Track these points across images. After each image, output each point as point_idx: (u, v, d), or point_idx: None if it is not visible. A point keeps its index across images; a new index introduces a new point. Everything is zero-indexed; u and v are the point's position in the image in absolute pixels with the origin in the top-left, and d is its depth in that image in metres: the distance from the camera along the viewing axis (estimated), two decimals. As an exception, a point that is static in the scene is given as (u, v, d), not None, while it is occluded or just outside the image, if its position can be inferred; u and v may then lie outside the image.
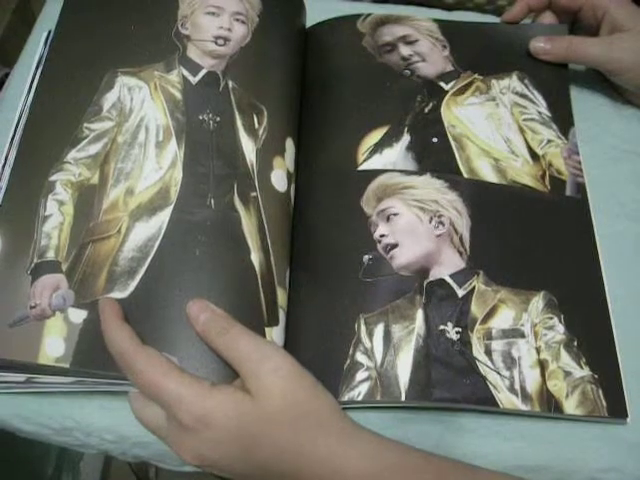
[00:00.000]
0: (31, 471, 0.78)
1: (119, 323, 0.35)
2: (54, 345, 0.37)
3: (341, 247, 0.43)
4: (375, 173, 0.45)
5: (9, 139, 0.44)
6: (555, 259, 0.43)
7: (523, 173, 0.46)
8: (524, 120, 0.48)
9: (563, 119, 0.49)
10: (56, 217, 0.40)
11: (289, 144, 0.46)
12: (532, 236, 0.44)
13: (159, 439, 0.35)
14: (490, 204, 0.45)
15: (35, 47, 0.49)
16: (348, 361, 0.39)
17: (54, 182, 0.41)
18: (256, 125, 0.44)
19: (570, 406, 0.38)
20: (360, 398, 0.38)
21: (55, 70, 0.46)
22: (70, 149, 0.42)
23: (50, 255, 0.39)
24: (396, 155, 0.46)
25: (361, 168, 0.46)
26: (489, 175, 0.46)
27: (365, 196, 0.44)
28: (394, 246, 0.42)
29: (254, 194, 0.42)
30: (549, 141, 0.48)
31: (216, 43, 0.46)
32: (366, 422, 0.34)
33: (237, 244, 0.40)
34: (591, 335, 0.41)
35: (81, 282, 0.38)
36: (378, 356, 0.39)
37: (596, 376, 0.39)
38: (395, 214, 0.43)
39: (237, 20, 0.47)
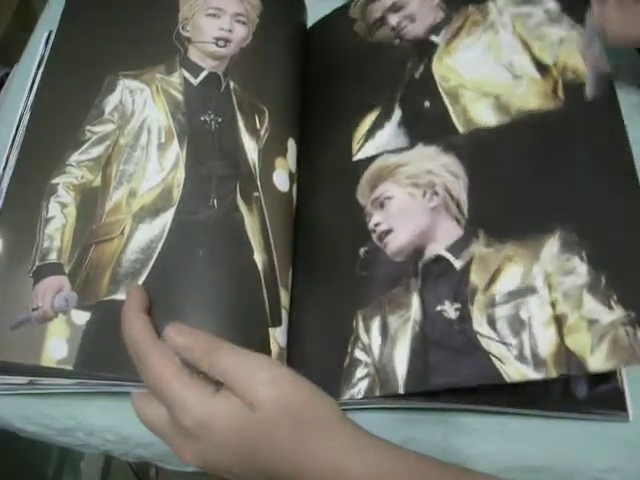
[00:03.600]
0: (32, 471, 0.78)
1: (139, 311, 0.35)
2: (57, 347, 0.37)
3: (339, 244, 0.43)
4: (369, 161, 0.44)
5: (10, 140, 0.44)
6: (574, 184, 0.37)
7: (529, 96, 0.41)
8: (529, 31, 0.43)
9: (575, 5, 0.42)
10: (58, 219, 0.40)
11: (291, 144, 0.46)
12: (542, 168, 0.39)
13: (160, 439, 0.35)
14: (490, 152, 0.41)
15: (37, 47, 0.49)
16: (347, 359, 0.39)
17: (56, 184, 0.41)
18: (258, 125, 0.44)
19: (597, 361, 0.32)
20: (360, 395, 0.37)
21: (56, 71, 0.46)
22: (72, 152, 0.42)
23: (52, 257, 0.39)
24: (387, 135, 0.44)
25: (356, 158, 0.45)
26: (489, 118, 0.42)
27: (359, 187, 0.43)
28: (388, 232, 0.41)
29: (256, 194, 0.42)
30: (561, 41, 0.42)
31: (217, 44, 0.46)
32: (370, 423, 0.34)
33: (240, 244, 0.40)
34: (624, 262, 0.34)
35: (84, 284, 0.38)
36: (376, 351, 0.38)
37: (632, 314, 0.32)
38: (388, 198, 0.42)
39: (238, 21, 0.47)
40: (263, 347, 0.38)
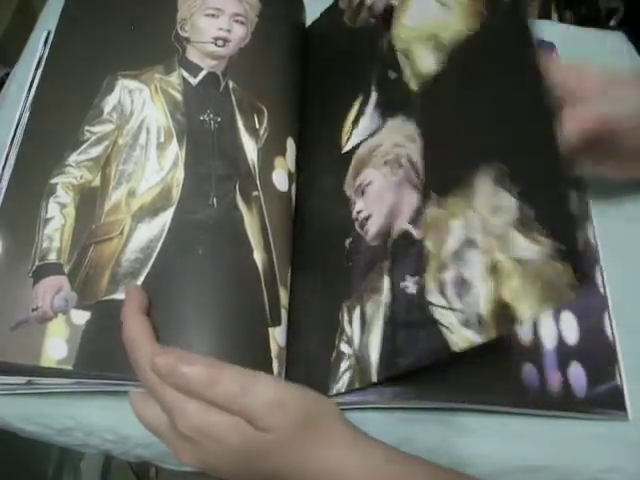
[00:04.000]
0: (32, 471, 0.78)
1: (137, 312, 0.35)
2: (56, 347, 0.37)
3: (332, 239, 0.42)
4: (353, 151, 0.44)
5: (9, 139, 0.44)
6: (501, 110, 0.34)
7: (458, 20, 0.38)
8: None
9: None
10: (58, 219, 0.40)
11: (290, 144, 0.46)
12: (477, 100, 0.35)
13: (158, 438, 0.35)
14: (434, 103, 0.38)
15: (36, 47, 0.49)
16: (334, 353, 0.38)
17: (55, 185, 0.41)
18: (257, 125, 0.44)
19: (525, 308, 0.30)
20: (344, 389, 0.37)
21: (55, 71, 0.46)
22: (71, 152, 0.42)
23: (52, 257, 0.39)
24: (366, 121, 0.44)
25: (344, 150, 0.45)
26: (431, 64, 0.39)
27: (347, 178, 0.43)
28: (368, 218, 0.40)
29: (256, 193, 0.42)
30: None
31: (216, 44, 0.46)
32: (370, 422, 0.34)
33: (240, 243, 0.40)
34: (552, 192, 0.31)
35: (84, 284, 0.38)
36: (356, 341, 0.38)
37: (562, 247, 0.29)
38: (368, 184, 0.41)
39: (236, 21, 0.47)
40: (263, 347, 0.38)
